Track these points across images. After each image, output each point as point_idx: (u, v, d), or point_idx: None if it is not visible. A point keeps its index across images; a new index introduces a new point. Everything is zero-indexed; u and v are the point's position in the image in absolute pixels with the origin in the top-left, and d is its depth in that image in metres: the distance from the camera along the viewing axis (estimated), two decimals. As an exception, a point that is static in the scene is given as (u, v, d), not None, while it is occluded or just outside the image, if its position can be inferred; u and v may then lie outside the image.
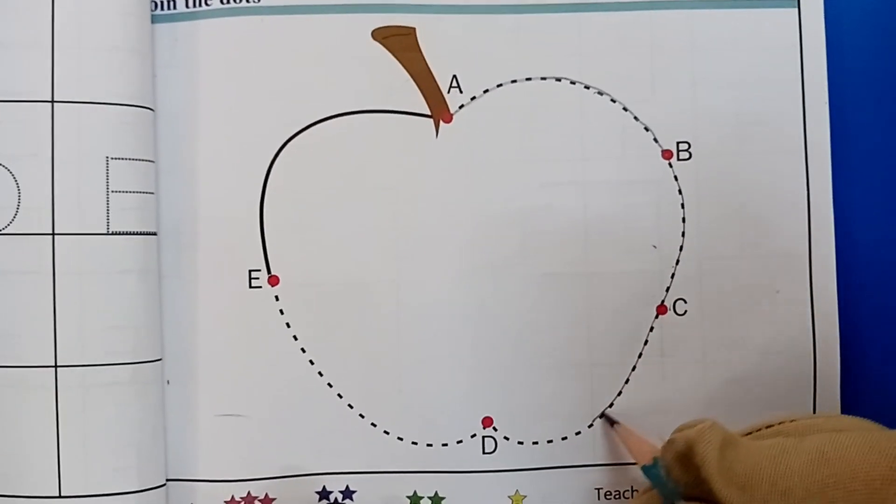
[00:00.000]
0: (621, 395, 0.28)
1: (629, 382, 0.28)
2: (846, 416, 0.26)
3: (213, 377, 0.28)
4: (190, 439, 0.28)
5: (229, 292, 0.28)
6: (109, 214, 0.26)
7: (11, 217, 0.25)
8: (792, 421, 0.25)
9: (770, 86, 0.28)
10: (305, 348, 0.28)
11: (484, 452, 0.28)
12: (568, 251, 0.28)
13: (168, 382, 0.28)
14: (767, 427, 0.25)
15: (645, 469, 0.25)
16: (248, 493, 0.28)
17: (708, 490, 0.22)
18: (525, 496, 0.28)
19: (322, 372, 0.28)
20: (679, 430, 0.24)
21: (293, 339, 0.28)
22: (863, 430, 0.23)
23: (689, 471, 0.23)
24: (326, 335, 0.28)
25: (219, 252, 0.28)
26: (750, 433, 0.25)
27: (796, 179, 0.28)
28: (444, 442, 0.28)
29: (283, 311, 0.28)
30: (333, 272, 0.28)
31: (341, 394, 0.28)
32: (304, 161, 0.28)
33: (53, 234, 0.25)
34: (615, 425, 0.28)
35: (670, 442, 0.24)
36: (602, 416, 0.28)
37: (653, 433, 0.28)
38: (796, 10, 0.28)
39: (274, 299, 0.28)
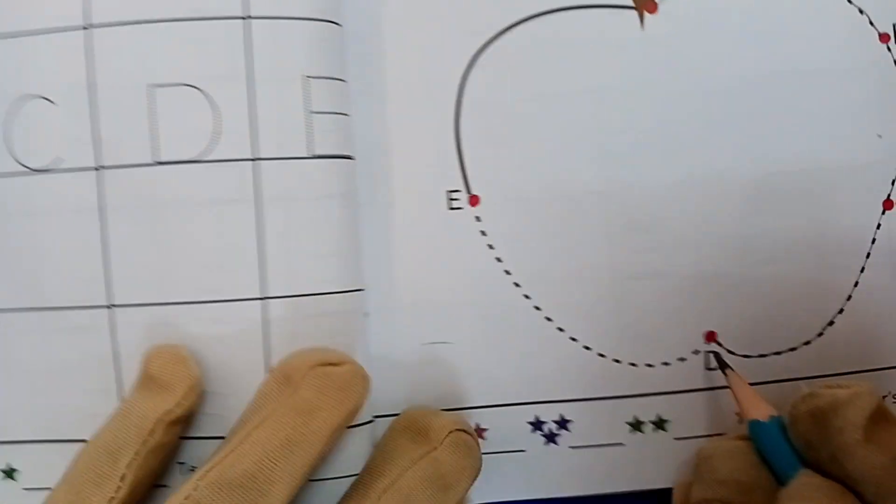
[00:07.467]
0: (850, 299, 0.26)
1: (858, 285, 0.26)
2: None
3: (416, 306, 0.26)
4: (395, 371, 0.26)
5: (428, 217, 0.26)
6: (310, 137, 0.24)
7: (211, 143, 0.24)
8: None
9: None
10: (510, 270, 0.26)
11: (707, 369, 0.27)
12: (789, 146, 0.26)
13: (366, 314, 0.26)
14: None
15: (755, 423, 0.23)
16: (457, 425, 0.27)
17: (837, 458, 0.21)
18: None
19: (528, 294, 0.26)
20: (826, 386, 0.22)
21: (496, 262, 0.26)
22: None
23: (822, 432, 0.21)
24: (531, 255, 0.26)
25: (414, 175, 0.26)
26: None
27: None
28: (665, 361, 0.27)
29: (485, 232, 0.26)
30: (537, 187, 0.26)
31: (550, 317, 0.26)
32: (499, 70, 0.26)
33: (255, 158, 0.24)
34: (726, 370, 0.26)
35: (811, 396, 0.22)
36: (715, 355, 0.26)
37: (883, 340, 0.26)
38: None
39: (475, 220, 0.26)
